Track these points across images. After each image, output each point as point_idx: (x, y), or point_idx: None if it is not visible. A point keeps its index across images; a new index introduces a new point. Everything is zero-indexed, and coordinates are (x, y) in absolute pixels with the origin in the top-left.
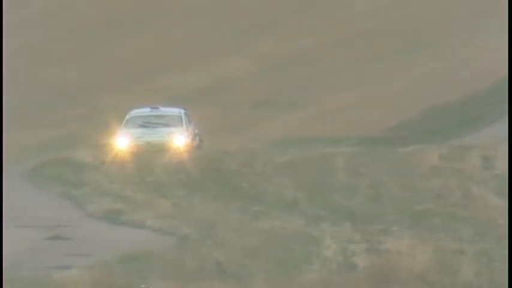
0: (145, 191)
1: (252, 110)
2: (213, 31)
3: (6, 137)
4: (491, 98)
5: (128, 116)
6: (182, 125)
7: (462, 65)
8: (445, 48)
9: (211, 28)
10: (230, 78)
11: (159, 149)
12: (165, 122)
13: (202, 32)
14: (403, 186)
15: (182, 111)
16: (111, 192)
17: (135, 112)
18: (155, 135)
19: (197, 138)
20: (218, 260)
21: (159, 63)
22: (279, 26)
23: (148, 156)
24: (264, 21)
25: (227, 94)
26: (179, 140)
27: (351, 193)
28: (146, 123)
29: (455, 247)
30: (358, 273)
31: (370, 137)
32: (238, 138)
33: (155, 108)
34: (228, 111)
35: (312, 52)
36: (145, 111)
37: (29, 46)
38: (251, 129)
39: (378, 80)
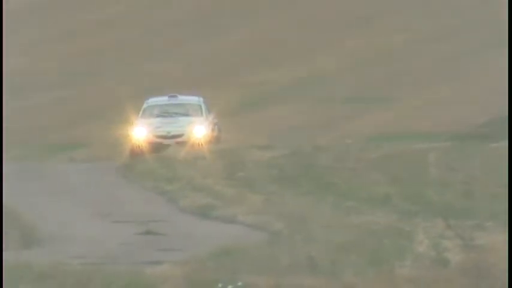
0: (237, 186)
1: (344, 106)
2: (307, 26)
3: (105, 134)
4: None
5: (145, 105)
6: (202, 114)
7: None
8: None
9: (306, 23)
10: (323, 74)
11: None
12: (185, 111)
13: (296, 27)
14: (495, 181)
15: (201, 99)
16: (203, 187)
17: (153, 101)
18: (175, 125)
19: (216, 128)
20: (310, 255)
21: (252, 58)
22: (372, 22)
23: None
24: (357, 17)
25: (319, 89)
26: (200, 130)
27: (444, 188)
28: (164, 113)
29: None
30: (451, 269)
31: (461, 133)
32: (330, 134)
33: (173, 96)
34: (320, 107)
35: (405, 48)
36: (163, 99)
37: (123, 43)
38: (343, 125)
39: (470, 76)
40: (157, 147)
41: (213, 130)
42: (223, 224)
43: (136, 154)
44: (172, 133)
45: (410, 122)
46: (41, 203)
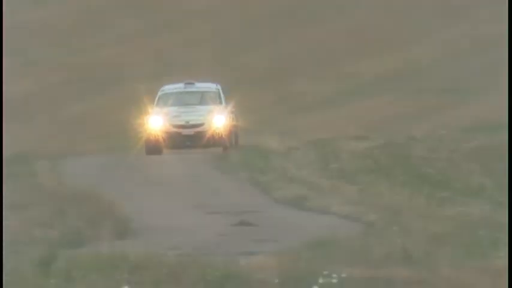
0: (330, 177)
1: (439, 96)
2: (403, 17)
3: None
4: None
5: (160, 93)
6: (221, 103)
7: None
8: None
9: (402, 13)
10: (418, 64)
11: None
12: (202, 99)
13: (392, 17)
14: None
15: (219, 86)
16: (297, 178)
17: (168, 88)
18: (194, 114)
19: (234, 117)
20: (404, 246)
21: (348, 49)
22: (468, 12)
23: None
24: (454, 7)
25: (415, 80)
26: (220, 120)
27: None
28: (181, 101)
29: None
30: None
31: None
32: (425, 124)
33: (190, 83)
34: (415, 97)
35: (502, 38)
36: (179, 86)
37: (218, 34)
38: (438, 115)
39: None
40: (174, 137)
41: (232, 119)
42: (317, 215)
43: (152, 145)
44: (191, 122)
45: (506, 112)
46: (134, 194)
